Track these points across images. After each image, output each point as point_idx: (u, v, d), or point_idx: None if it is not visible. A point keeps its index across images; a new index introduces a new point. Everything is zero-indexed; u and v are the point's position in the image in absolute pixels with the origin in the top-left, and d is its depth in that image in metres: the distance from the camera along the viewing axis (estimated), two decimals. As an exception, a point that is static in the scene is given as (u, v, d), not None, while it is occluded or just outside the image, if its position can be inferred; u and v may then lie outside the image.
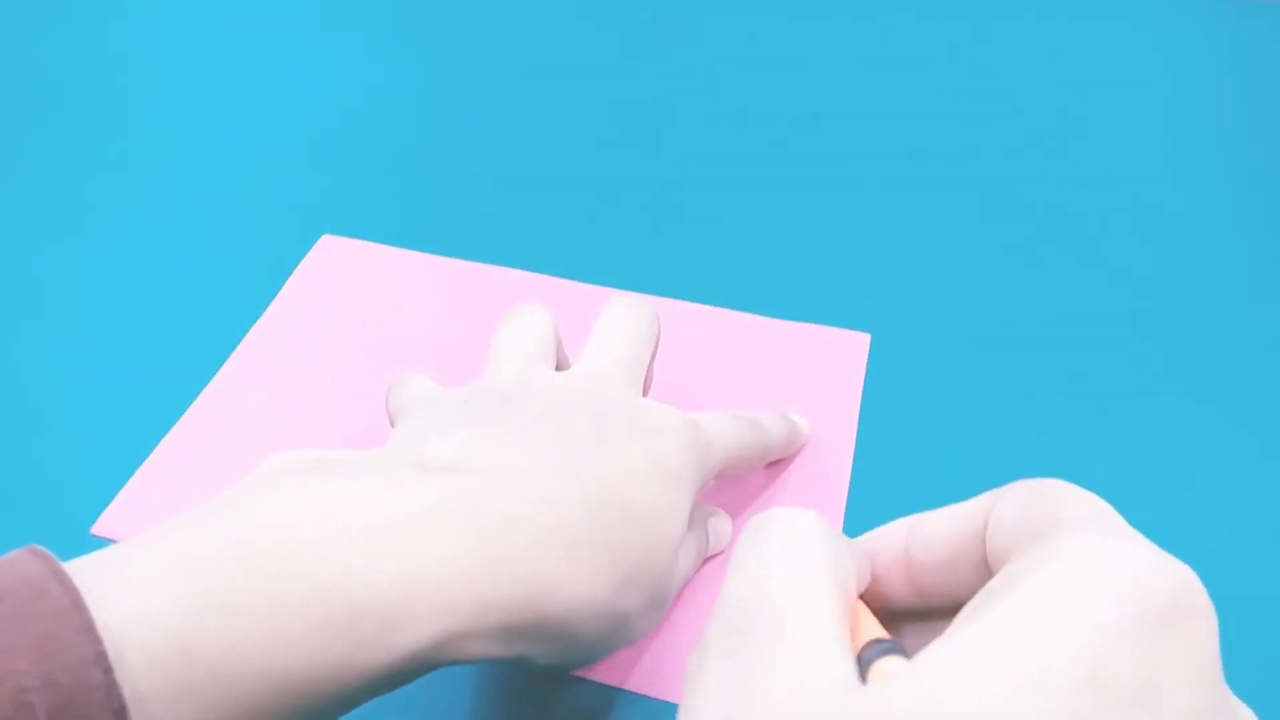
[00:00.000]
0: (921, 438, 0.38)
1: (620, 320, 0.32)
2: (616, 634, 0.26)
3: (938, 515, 0.21)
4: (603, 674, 0.31)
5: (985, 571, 0.20)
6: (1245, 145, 0.49)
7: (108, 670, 0.19)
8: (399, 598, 0.22)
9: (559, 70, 0.55)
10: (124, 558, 0.22)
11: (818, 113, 0.51)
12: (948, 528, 0.21)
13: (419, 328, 0.42)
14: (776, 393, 0.39)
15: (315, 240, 0.46)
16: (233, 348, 0.42)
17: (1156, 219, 0.45)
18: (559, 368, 0.33)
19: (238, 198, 0.48)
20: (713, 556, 0.34)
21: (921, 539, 0.21)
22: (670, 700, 0.31)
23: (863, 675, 0.18)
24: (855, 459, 0.37)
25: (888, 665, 0.18)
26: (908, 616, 0.23)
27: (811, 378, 0.39)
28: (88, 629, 0.19)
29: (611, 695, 0.31)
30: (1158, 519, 0.35)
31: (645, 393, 0.35)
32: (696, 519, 0.33)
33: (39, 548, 0.21)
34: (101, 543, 0.35)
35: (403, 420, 0.29)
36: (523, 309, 0.33)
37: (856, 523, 0.35)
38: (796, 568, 0.18)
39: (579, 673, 0.32)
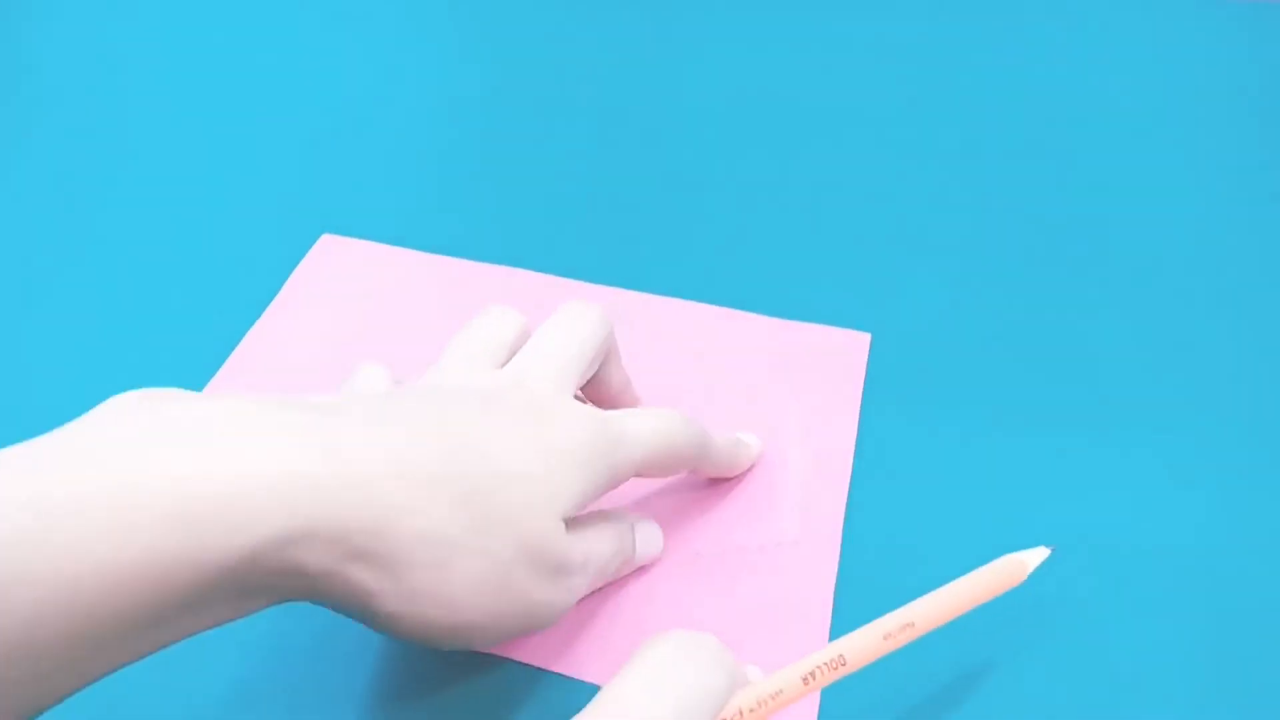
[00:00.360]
0: (921, 438, 0.38)
1: (556, 326, 0.32)
2: (500, 593, 0.26)
3: None
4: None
5: None
6: (1245, 145, 0.49)
7: None
8: (239, 492, 0.23)
9: (559, 70, 0.55)
10: None
11: (818, 112, 0.52)
12: None
13: (419, 327, 0.42)
14: (776, 392, 0.39)
15: (315, 240, 0.46)
16: (233, 347, 0.42)
17: (1157, 219, 0.45)
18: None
19: (238, 197, 0.48)
20: (645, 567, 0.34)
21: None
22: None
23: None
24: (855, 459, 0.37)
25: None
26: None
27: (811, 377, 0.40)
28: None
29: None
30: (1158, 519, 0.35)
31: (625, 391, 0.35)
32: (622, 518, 0.33)
33: None
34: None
35: None
36: (486, 311, 0.33)
37: (856, 523, 0.35)
38: None
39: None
